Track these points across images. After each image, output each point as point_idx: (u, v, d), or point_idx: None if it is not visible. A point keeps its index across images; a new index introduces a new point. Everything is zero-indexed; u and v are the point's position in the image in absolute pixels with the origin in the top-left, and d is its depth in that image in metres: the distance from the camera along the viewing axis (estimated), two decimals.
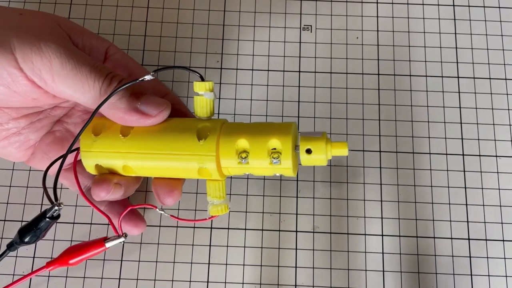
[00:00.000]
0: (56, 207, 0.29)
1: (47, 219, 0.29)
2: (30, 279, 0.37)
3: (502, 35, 0.43)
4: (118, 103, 0.29)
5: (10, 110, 0.32)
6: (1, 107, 0.31)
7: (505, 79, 0.42)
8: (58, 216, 0.29)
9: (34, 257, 0.38)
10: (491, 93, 0.42)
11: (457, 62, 0.43)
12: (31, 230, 0.29)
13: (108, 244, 0.31)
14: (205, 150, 0.30)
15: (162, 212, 0.33)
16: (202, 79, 0.31)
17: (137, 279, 0.37)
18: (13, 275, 0.37)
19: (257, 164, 0.30)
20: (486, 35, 0.43)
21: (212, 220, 0.38)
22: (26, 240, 0.30)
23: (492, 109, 0.41)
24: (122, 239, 0.31)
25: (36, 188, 0.39)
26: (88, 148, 0.31)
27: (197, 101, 0.31)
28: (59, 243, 0.38)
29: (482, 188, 0.39)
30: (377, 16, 0.44)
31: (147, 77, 0.29)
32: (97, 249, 0.31)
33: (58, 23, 0.31)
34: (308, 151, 0.29)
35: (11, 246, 0.31)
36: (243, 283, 0.37)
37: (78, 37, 0.32)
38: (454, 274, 0.37)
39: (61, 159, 0.30)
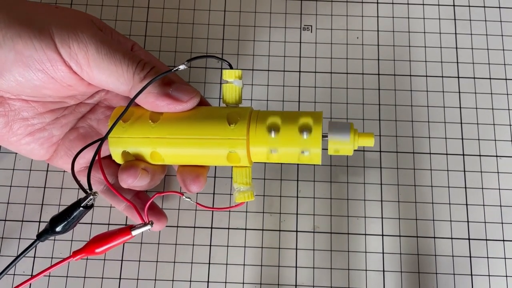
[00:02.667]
0: (91, 196, 0.29)
1: (81, 208, 0.29)
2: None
3: (502, 35, 0.43)
4: (151, 88, 0.30)
5: (37, 104, 0.32)
6: (30, 100, 0.32)
7: (505, 79, 0.42)
8: (92, 205, 0.29)
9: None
10: (491, 93, 0.42)
11: (457, 62, 0.43)
12: (64, 219, 0.29)
13: (134, 232, 0.30)
14: (236, 134, 0.30)
15: (189, 199, 0.32)
16: (231, 67, 0.32)
17: (137, 279, 0.37)
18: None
19: (286, 151, 0.30)
20: (486, 35, 0.43)
21: (212, 220, 0.39)
22: (58, 229, 0.29)
23: (493, 109, 0.41)
24: (148, 227, 0.31)
25: (37, 188, 0.39)
26: (117, 134, 0.31)
27: (226, 88, 0.32)
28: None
29: (482, 188, 0.39)
30: (377, 16, 0.44)
31: (181, 67, 0.30)
32: (123, 237, 0.30)
33: (91, 18, 0.32)
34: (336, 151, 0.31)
35: (41, 236, 0.30)
36: (243, 283, 0.37)
37: (107, 32, 0.33)
38: (454, 274, 0.37)
39: (98, 143, 0.30)
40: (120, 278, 0.37)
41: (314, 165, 0.40)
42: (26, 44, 0.28)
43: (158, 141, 0.31)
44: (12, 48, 0.28)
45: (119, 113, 0.31)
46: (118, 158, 0.32)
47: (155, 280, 0.37)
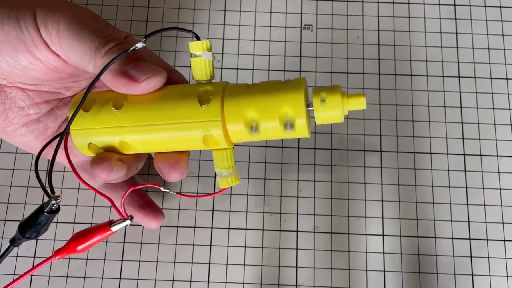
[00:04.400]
0: (54, 201, 0.27)
1: (46, 214, 0.27)
2: (31, 277, 0.37)
3: (503, 35, 0.43)
4: (112, 65, 0.28)
5: (33, 93, 0.32)
6: (26, 88, 0.32)
7: (506, 78, 0.42)
8: (58, 209, 0.28)
9: (34, 257, 0.38)
10: (492, 93, 0.42)
11: (458, 62, 0.43)
12: (31, 226, 0.28)
13: (114, 228, 0.29)
14: (209, 115, 0.27)
15: (167, 190, 0.30)
16: (198, 39, 0.28)
17: (137, 279, 0.37)
18: (14, 274, 0.37)
19: (267, 125, 0.27)
20: (487, 34, 0.43)
21: (212, 220, 0.38)
22: (27, 235, 0.28)
23: (493, 108, 0.41)
24: (127, 222, 0.29)
25: (37, 188, 0.39)
26: (78, 126, 0.28)
27: (195, 63, 0.28)
28: (60, 243, 0.38)
29: (483, 188, 0.39)
30: (378, 16, 0.44)
31: (139, 45, 0.27)
32: (103, 234, 0.29)
33: (84, 8, 0.32)
34: (323, 101, 0.26)
35: (14, 242, 0.30)
36: (243, 283, 0.37)
37: (103, 23, 0.32)
38: (455, 274, 0.37)
39: (59, 139, 0.28)
40: (120, 278, 0.37)
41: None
42: (13, 25, 0.28)
43: (124, 130, 0.28)
44: (1, 28, 0.28)
45: (79, 100, 0.28)
46: (85, 151, 0.30)
47: (155, 280, 0.37)
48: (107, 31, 0.29)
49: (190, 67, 0.29)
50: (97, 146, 0.29)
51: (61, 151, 0.34)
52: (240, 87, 0.28)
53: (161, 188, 0.30)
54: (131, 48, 0.27)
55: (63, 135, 0.28)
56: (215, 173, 0.30)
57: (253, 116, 0.27)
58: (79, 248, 0.29)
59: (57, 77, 0.31)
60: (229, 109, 0.27)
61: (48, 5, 0.29)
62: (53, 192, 0.27)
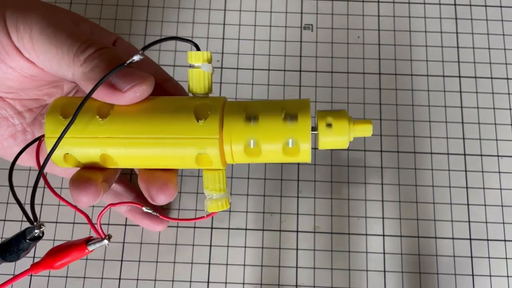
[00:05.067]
0: (37, 230, 0.24)
1: (27, 241, 0.24)
2: (31, 276, 0.37)
3: (503, 35, 0.43)
4: (90, 73, 0.25)
5: (14, 101, 0.29)
6: (5, 97, 0.29)
7: (507, 78, 0.42)
8: (40, 236, 0.24)
9: (34, 257, 0.37)
10: (492, 93, 0.42)
11: (458, 62, 0.42)
12: (12, 251, 0.25)
13: (90, 247, 0.26)
14: (206, 132, 0.24)
15: (150, 211, 0.27)
16: (198, 49, 0.26)
17: (137, 279, 0.37)
18: (13, 274, 0.37)
19: (268, 148, 0.25)
20: (488, 34, 0.43)
21: (212, 220, 0.38)
22: (7, 259, 0.25)
23: (494, 108, 0.41)
24: (105, 242, 0.25)
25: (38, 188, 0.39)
26: (56, 133, 0.25)
27: (193, 74, 0.26)
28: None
29: (483, 188, 0.39)
30: (378, 15, 0.44)
31: (136, 58, 0.24)
32: (79, 253, 0.26)
33: (64, 10, 0.28)
34: (329, 125, 0.25)
35: None
36: (243, 283, 0.37)
37: (86, 25, 0.29)
38: (455, 274, 0.37)
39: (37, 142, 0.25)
40: (120, 279, 0.37)
41: (312, 164, 0.39)
42: None
43: (108, 141, 0.25)
44: None
45: (58, 105, 0.25)
46: (60, 162, 0.26)
47: (155, 280, 0.37)
48: (86, 35, 0.26)
49: (187, 79, 0.27)
50: (75, 158, 0.26)
51: (49, 164, 0.31)
52: (240, 105, 0.25)
53: (144, 208, 0.27)
54: (128, 62, 0.24)
55: (34, 142, 0.25)
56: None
57: (252, 130, 0.25)
58: (56, 264, 0.26)
59: (35, 85, 0.28)
60: (228, 128, 0.25)
61: (19, 6, 0.26)
62: (35, 218, 0.24)
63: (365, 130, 0.25)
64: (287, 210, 0.39)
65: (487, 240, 0.38)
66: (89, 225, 0.26)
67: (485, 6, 0.44)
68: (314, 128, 0.25)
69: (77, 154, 0.25)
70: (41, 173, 0.24)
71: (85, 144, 0.25)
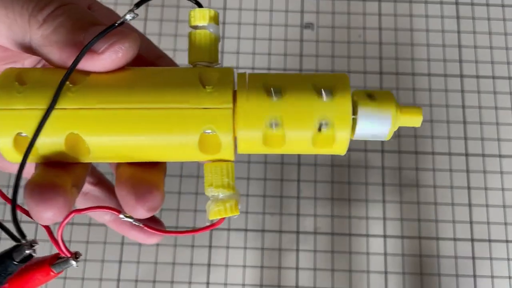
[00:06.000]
0: (27, 251, 0.18)
1: (16, 263, 0.19)
2: None
3: (505, 34, 0.43)
4: (53, 36, 0.19)
5: None
6: None
7: (509, 78, 0.42)
8: (31, 256, 0.19)
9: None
10: (494, 92, 0.41)
11: (460, 61, 0.42)
12: None
13: (56, 269, 0.19)
14: (216, 100, 0.18)
15: (130, 219, 0.19)
16: (200, 6, 0.20)
17: (136, 280, 0.37)
18: None
19: (296, 109, 0.18)
20: (490, 33, 0.43)
21: (212, 221, 0.38)
22: None
23: (496, 108, 0.41)
24: (73, 263, 0.18)
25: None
26: (6, 104, 0.18)
27: (195, 38, 0.20)
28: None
29: (485, 188, 0.39)
30: (380, 14, 0.43)
31: (128, 16, 0.18)
32: (43, 276, 0.20)
33: None
34: (371, 109, 0.18)
35: None
36: (243, 285, 0.37)
37: None
38: (457, 275, 0.37)
39: None
40: (118, 280, 0.37)
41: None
42: None
43: (82, 115, 0.18)
44: None
45: (11, 75, 0.19)
46: (8, 152, 0.18)
47: (154, 281, 0.37)
48: None
49: (187, 46, 0.20)
50: (25, 143, 0.18)
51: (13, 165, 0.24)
52: (258, 76, 0.19)
53: (121, 216, 0.19)
54: (119, 22, 0.18)
55: None
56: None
57: (275, 107, 0.18)
58: None
59: None
60: (244, 97, 0.18)
61: None
62: (23, 235, 0.18)
63: (414, 120, 0.18)
64: (287, 210, 0.38)
65: (489, 241, 0.38)
66: (51, 241, 0.18)
67: (487, 5, 0.44)
68: (355, 111, 0.19)
69: (37, 141, 0.18)
70: (21, 173, 0.17)
71: (49, 121, 0.18)
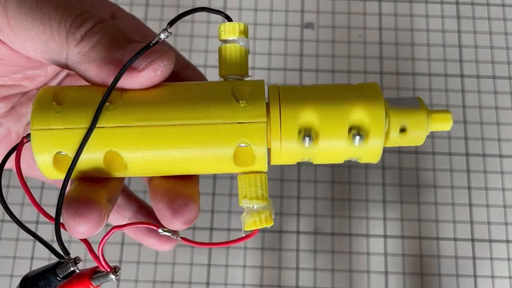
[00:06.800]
0: (71, 267, 0.19)
1: (59, 279, 0.20)
2: None
3: (506, 33, 0.43)
4: (91, 53, 0.19)
5: None
6: None
7: (509, 77, 0.42)
8: (73, 272, 0.20)
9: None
10: (494, 92, 0.41)
11: (460, 61, 0.42)
12: (40, 287, 0.20)
13: (96, 283, 0.20)
14: (251, 114, 0.18)
15: (169, 234, 0.20)
16: (230, 20, 0.21)
17: (136, 281, 0.37)
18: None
19: (328, 149, 0.19)
20: (490, 33, 0.43)
21: (212, 220, 0.38)
22: None
23: (496, 108, 0.41)
24: (112, 277, 0.20)
25: (36, 188, 0.39)
26: (45, 124, 0.18)
27: (226, 51, 0.21)
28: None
29: (485, 188, 0.39)
30: (380, 14, 0.43)
31: (163, 35, 0.19)
32: None
33: None
34: (402, 130, 0.20)
35: None
36: (243, 285, 0.37)
37: None
38: (457, 275, 0.37)
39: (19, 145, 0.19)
40: (118, 280, 0.37)
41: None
42: None
43: (120, 133, 0.18)
44: None
45: (48, 95, 0.19)
46: (45, 168, 0.19)
47: (154, 281, 0.37)
48: (79, 6, 0.20)
49: (217, 59, 0.21)
50: (65, 161, 0.19)
51: (28, 166, 0.26)
52: (291, 88, 0.20)
53: (160, 230, 0.20)
54: (154, 41, 0.19)
55: (15, 148, 0.19)
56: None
57: (308, 151, 0.19)
58: None
59: (5, 70, 0.22)
60: (277, 114, 0.19)
61: None
62: (67, 252, 0.19)
63: (444, 125, 0.20)
64: (287, 210, 0.38)
65: (489, 241, 0.38)
66: (91, 255, 0.20)
67: (487, 5, 0.43)
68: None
69: (74, 155, 0.18)
70: (63, 192, 0.18)
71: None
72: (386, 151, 0.40)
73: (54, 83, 0.25)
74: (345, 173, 0.39)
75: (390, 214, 0.38)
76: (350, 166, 0.39)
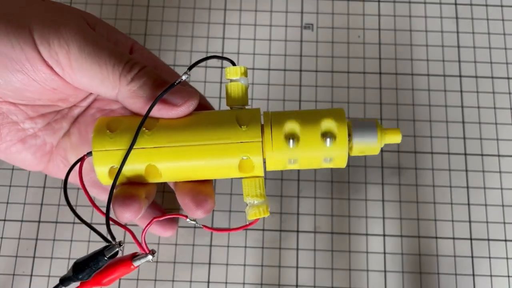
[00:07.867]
0: (117, 248, 0.26)
1: (106, 259, 0.26)
2: (31, 277, 0.37)
3: (504, 34, 0.43)
4: (139, 91, 0.27)
5: (26, 107, 0.29)
6: (18, 103, 0.29)
7: (507, 78, 0.42)
8: (117, 253, 0.26)
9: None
10: (493, 92, 0.41)
11: (459, 61, 0.42)
12: (89, 267, 0.26)
13: (136, 263, 0.27)
14: (250, 136, 0.26)
15: (194, 222, 0.28)
16: (233, 64, 0.28)
17: (137, 279, 0.37)
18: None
19: (308, 150, 0.27)
20: (488, 33, 0.43)
21: (213, 220, 0.38)
22: (81, 276, 0.27)
23: (495, 108, 0.41)
24: (149, 258, 0.27)
25: (36, 188, 0.39)
26: (101, 146, 0.26)
27: (231, 88, 0.28)
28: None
29: (484, 188, 0.39)
30: (379, 15, 0.44)
31: (184, 77, 0.27)
32: (125, 269, 0.27)
33: (80, 14, 0.29)
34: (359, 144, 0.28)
35: (64, 281, 0.28)
36: (244, 283, 0.37)
37: (103, 29, 0.30)
38: (456, 274, 0.37)
39: (82, 160, 0.26)
40: (120, 278, 0.37)
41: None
42: (2, 41, 0.25)
43: (156, 151, 0.26)
44: None
45: (103, 124, 0.27)
46: (104, 178, 0.27)
47: (155, 280, 0.37)
48: (127, 54, 0.27)
49: (225, 93, 0.29)
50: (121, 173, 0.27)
51: (59, 170, 0.32)
52: (280, 116, 0.28)
53: (188, 220, 0.28)
54: (177, 81, 0.26)
55: (77, 162, 0.26)
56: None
57: (292, 151, 0.27)
58: (104, 281, 0.28)
59: (53, 96, 0.29)
60: (269, 133, 0.27)
61: (46, 18, 0.26)
62: (113, 237, 0.26)
63: (395, 138, 0.29)
64: (287, 209, 0.39)
65: (488, 240, 0.38)
66: (134, 242, 0.27)
67: (486, 5, 0.44)
68: (350, 136, 0.28)
69: (124, 168, 0.26)
70: (112, 193, 0.26)
71: (132, 156, 0.26)
72: (385, 150, 0.40)
73: (84, 104, 0.31)
74: (344, 173, 0.39)
75: (389, 214, 0.39)
76: (349, 165, 0.40)
